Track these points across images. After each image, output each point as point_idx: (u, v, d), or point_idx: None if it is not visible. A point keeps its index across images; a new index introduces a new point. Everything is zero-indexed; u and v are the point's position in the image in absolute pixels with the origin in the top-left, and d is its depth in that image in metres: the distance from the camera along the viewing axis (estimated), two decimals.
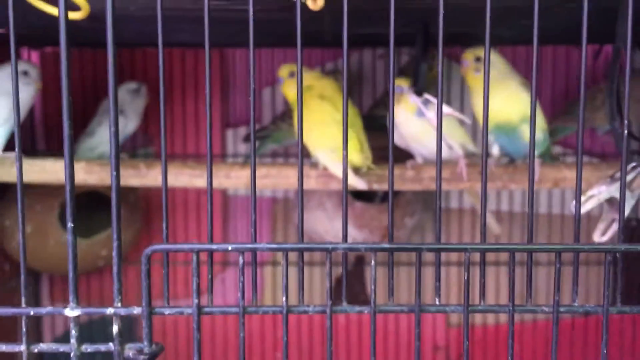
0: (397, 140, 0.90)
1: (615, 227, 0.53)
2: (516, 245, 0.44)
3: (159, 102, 0.38)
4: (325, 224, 1.07)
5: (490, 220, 1.03)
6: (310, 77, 0.87)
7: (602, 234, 0.53)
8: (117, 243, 0.35)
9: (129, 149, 1.23)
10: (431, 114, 0.76)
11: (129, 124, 1.13)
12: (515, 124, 0.84)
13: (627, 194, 0.54)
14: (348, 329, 1.30)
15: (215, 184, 0.88)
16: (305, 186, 0.89)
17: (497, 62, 0.85)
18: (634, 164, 0.54)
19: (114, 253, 0.35)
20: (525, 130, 0.81)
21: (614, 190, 0.53)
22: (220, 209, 1.28)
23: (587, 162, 1.04)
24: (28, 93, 0.93)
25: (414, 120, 0.82)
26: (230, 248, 0.38)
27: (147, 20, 0.74)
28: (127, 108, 1.12)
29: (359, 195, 1.06)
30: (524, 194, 1.26)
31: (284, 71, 0.89)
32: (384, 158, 0.95)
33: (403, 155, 0.94)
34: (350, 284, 1.32)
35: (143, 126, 1.23)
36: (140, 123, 1.14)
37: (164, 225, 0.39)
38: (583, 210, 0.53)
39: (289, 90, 0.89)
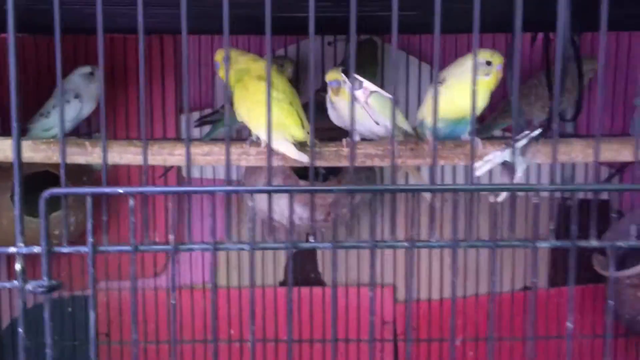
0: (336, 120, 0.95)
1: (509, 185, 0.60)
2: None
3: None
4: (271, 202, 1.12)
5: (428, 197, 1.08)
6: (247, 60, 0.92)
7: (496, 196, 0.59)
8: (18, 190, 0.39)
9: (85, 132, 1.26)
10: (360, 93, 0.82)
11: (85, 108, 1.16)
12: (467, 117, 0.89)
13: (520, 158, 0.60)
14: (300, 306, 1.36)
15: (159, 160, 0.92)
16: (245, 163, 0.94)
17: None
18: (526, 132, 0.60)
19: (16, 198, 0.39)
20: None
21: (506, 155, 0.59)
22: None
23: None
24: None
25: (339, 99, 0.88)
26: (121, 191, 0.43)
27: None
28: (83, 92, 1.15)
29: (302, 174, 1.11)
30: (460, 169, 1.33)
31: (219, 56, 0.93)
32: (327, 139, 1.00)
33: (343, 135, 0.99)
34: (302, 264, 1.38)
35: (97, 111, 1.27)
36: (96, 107, 1.18)
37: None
38: (481, 172, 0.59)
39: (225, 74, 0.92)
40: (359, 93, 0.81)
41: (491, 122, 1.26)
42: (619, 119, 1.30)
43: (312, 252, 1.37)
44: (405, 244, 0.50)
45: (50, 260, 0.41)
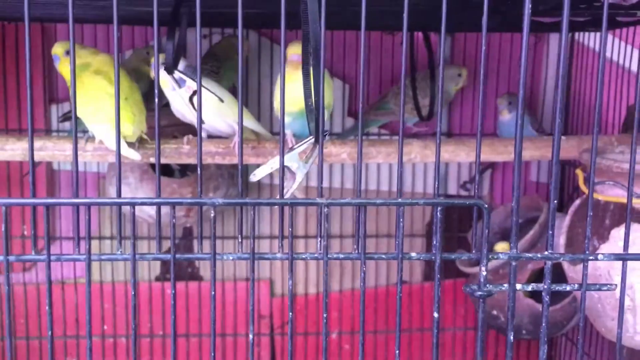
0: (177, 115, 0.94)
1: (291, 191, 0.61)
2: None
3: None
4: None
5: (299, 194, 1.08)
6: (87, 54, 0.90)
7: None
8: None
9: None
10: (183, 89, 0.81)
11: None
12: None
13: (300, 162, 0.61)
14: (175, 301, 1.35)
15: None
16: (80, 159, 0.93)
17: None
18: (308, 138, 0.61)
19: None
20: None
21: (288, 160, 0.60)
22: (46, 182, 1.29)
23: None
24: None
25: (174, 96, 0.86)
26: None
27: None
28: None
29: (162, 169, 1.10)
30: (338, 169, 1.34)
31: (58, 49, 0.90)
32: (181, 134, 0.99)
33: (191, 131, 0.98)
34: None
35: None
36: None
37: None
38: (260, 175, 0.59)
39: (65, 68, 0.90)
40: (182, 91, 0.81)
41: (366, 119, 1.27)
42: (489, 119, 1.32)
43: (189, 246, 1.36)
44: (283, 255, 0.52)
45: None
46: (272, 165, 0.60)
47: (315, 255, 0.52)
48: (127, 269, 1.33)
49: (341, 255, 0.54)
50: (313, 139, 0.59)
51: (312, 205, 0.48)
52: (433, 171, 1.38)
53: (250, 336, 0.49)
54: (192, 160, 0.93)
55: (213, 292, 0.50)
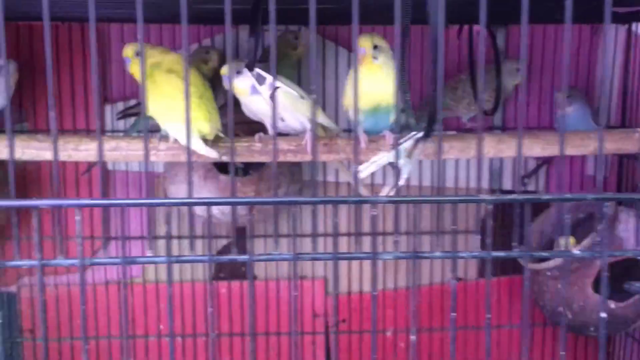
0: (249, 114, 0.94)
1: (396, 185, 0.59)
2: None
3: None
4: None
5: (365, 191, 1.07)
6: (157, 54, 0.89)
7: (386, 195, 0.59)
8: None
9: None
10: (264, 87, 0.80)
11: None
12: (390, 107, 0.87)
13: (406, 159, 0.59)
14: (230, 299, 1.35)
15: (64, 156, 0.89)
16: (154, 159, 0.92)
17: (386, 48, 0.87)
18: (413, 133, 0.59)
19: None
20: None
21: (392, 157, 0.59)
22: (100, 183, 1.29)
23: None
24: None
25: (252, 98, 0.86)
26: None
27: None
28: None
29: (222, 169, 1.09)
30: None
31: (128, 51, 0.89)
32: (243, 132, 0.99)
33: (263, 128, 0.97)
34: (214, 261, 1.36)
35: (18, 102, 1.23)
36: (11, 99, 1.14)
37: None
38: (365, 173, 0.58)
39: (136, 70, 0.89)
40: (262, 89, 0.80)
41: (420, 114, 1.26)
42: (545, 113, 1.30)
43: (242, 244, 1.36)
44: (329, 255, 0.51)
45: None
46: (378, 161, 0.59)
47: (363, 255, 0.49)
48: (182, 270, 1.33)
49: (400, 255, 0.51)
50: (420, 134, 0.57)
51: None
52: (487, 166, 1.36)
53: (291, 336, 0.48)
54: (264, 158, 0.92)
55: (251, 297, 0.49)
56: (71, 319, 1.31)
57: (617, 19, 1.22)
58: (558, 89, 1.23)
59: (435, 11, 0.47)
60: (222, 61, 1.19)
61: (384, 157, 0.57)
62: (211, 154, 0.86)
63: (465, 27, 1.18)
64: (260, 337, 1.35)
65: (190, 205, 0.48)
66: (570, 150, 0.98)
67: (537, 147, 0.94)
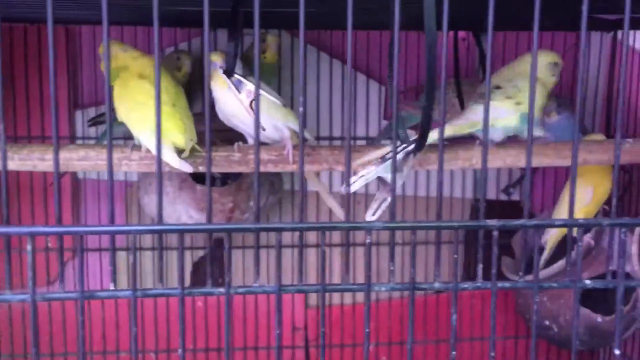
0: (220, 116, 0.88)
1: (384, 206, 0.55)
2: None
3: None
4: (166, 208, 1.05)
5: (333, 204, 1.03)
6: (127, 57, 0.84)
7: (374, 214, 0.55)
8: None
9: None
10: (243, 94, 0.76)
11: None
12: None
13: (397, 173, 0.56)
14: (207, 312, 1.30)
15: (28, 166, 0.84)
16: (126, 169, 0.87)
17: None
18: (405, 145, 0.56)
19: None
20: None
21: (381, 170, 0.55)
22: (70, 192, 1.23)
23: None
24: None
25: (229, 96, 0.81)
26: None
27: None
28: None
29: (199, 179, 1.04)
30: None
31: (103, 48, 0.85)
32: (220, 140, 0.94)
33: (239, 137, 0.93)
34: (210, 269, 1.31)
35: None
36: None
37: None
38: (355, 187, 0.54)
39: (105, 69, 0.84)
40: (242, 96, 0.75)
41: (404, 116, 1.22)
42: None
43: (219, 258, 1.31)
44: (317, 287, 0.46)
45: None
46: (366, 176, 0.55)
47: (354, 287, 0.46)
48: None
49: (395, 286, 0.48)
50: (411, 147, 0.54)
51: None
52: (471, 175, 1.34)
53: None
54: (243, 169, 0.88)
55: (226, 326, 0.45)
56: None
57: (602, 26, 1.21)
58: None
59: (431, 25, 0.43)
60: (195, 66, 1.14)
61: (372, 171, 0.53)
62: (185, 168, 0.81)
63: (450, 32, 1.15)
64: (237, 352, 1.31)
65: (160, 232, 0.43)
66: (559, 162, 0.95)
67: (524, 158, 0.91)
